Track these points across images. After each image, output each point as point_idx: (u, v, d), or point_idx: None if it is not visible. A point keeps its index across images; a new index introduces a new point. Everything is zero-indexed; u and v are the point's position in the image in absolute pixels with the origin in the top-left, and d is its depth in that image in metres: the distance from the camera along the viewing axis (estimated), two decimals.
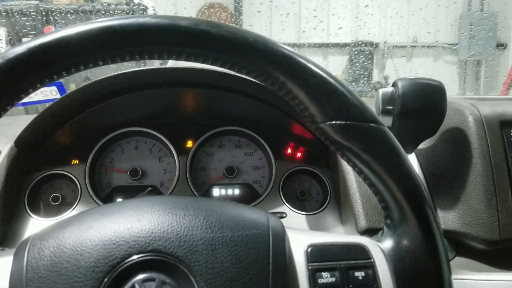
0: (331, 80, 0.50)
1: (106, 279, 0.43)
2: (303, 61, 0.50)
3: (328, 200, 0.94)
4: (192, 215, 0.48)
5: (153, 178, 0.99)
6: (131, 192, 0.97)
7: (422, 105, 0.77)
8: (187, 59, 0.51)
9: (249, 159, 1.03)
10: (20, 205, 0.90)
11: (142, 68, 0.90)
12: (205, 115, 1.03)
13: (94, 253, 0.44)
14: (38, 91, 1.31)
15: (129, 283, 0.44)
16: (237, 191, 1.00)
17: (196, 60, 0.51)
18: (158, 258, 0.45)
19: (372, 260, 0.50)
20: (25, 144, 0.91)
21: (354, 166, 0.52)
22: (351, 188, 0.84)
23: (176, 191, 0.96)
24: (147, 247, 0.45)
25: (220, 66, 0.51)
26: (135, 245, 0.45)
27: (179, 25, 0.48)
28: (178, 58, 0.52)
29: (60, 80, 1.35)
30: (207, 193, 1.00)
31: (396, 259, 0.50)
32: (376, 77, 5.97)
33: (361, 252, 0.51)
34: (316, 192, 0.99)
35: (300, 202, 0.98)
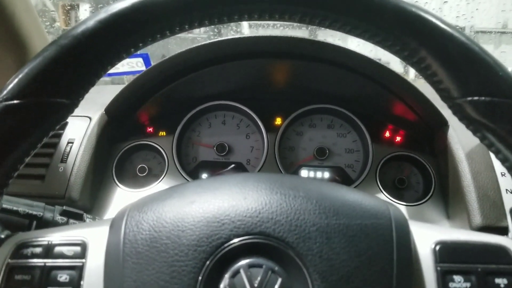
0: (476, 48, 0.41)
1: (208, 262, 0.38)
2: (441, 24, 0.41)
3: (432, 191, 0.84)
4: (303, 197, 0.42)
5: (239, 155, 0.95)
6: (216, 167, 0.94)
7: None
8: (301, 20, 0.45)
9: (342, 140, 0.95)
10: (108, 174, 0.90)
11: (231, 37, 0.85)
12: (296, 90, 0.96)
13: (197, 231, 0.39)
14: (124, 62, 1.32)
15: (234, 268, 0.38)
16: (327, 175, 0.93)
17: (311, 22, 0.44)
18: (266, 242, 0.39)
19: None
20: (115, 112, 0.90)
21: (497, 153, 0.43)
22: (464, 180, 0.74)
23: (263, 170, 0.91)
24: (254, 228, 0.39)
25: (339, 29, 0.44)
26: (241, 225, 0.40)
27: None
28: (290, 19, 0.45)
29: (147, 52, 1.35)
30: (295, 175, 0.93)
31: None
32: None
33: (502, 254, 0.42)
34: (417, 181, 0.89)
35: (398, 191, 0.89)
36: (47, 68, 0.40)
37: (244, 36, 0.86)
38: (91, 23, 0.41)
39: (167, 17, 0.42)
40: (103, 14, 0.41)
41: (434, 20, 0.41)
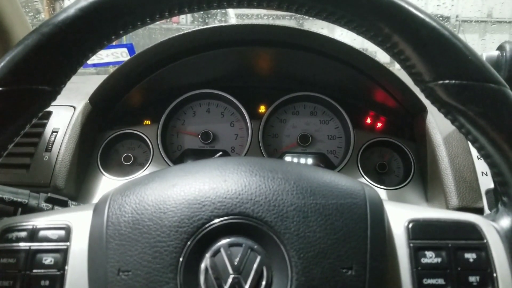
0: (446, 33, 0.43)
1: (189, 242, 0.39)
2: (414, 10, 0.43)
3: (411, 175, 0.87)
4: (281, 179, 0.43)
5: (224, 143, 0.96)
6: (201, 155, 0.95)
7: None
8: (279, 7, 0.46)
9: (325, 127, 0.97)
10: (93, 162, 0.90)
11: (215, 25, 0.85)
12: (279, 78, 0.98)
13: (178, 212, 0.41)
14: (109, 52, 1.31)
15: (214, 247, 0.40)
16: (310, 161, 0.94)
17: (288, 8, 0.45)
18: (246, 222, 0.41)
19: (485, 241, 0.43)
20: (99, 102, 0.90)
21: (467, 134, 0.45)
22: (442, 163, 0.76)
23: None
24: (234, 209, 0.41)
25: (315, 15, 0.45)
26: (221, 207, 0.41)
27: None
28: (268, 6, 0.46)
29: (131, 42, 1.34)
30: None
31: None
32: None
33: (471, 231, 0.44)
34: (397, 166, 0.92)
35: (379, 176, 0.91)
36: (28, 56, 0.41)
37: (227, 24, 0.87)
38: (71, 11, 0.42)
39: (147, 4, 0.43)
40: (83, 2, 0.42)
41: (406, 6, 0.43)
